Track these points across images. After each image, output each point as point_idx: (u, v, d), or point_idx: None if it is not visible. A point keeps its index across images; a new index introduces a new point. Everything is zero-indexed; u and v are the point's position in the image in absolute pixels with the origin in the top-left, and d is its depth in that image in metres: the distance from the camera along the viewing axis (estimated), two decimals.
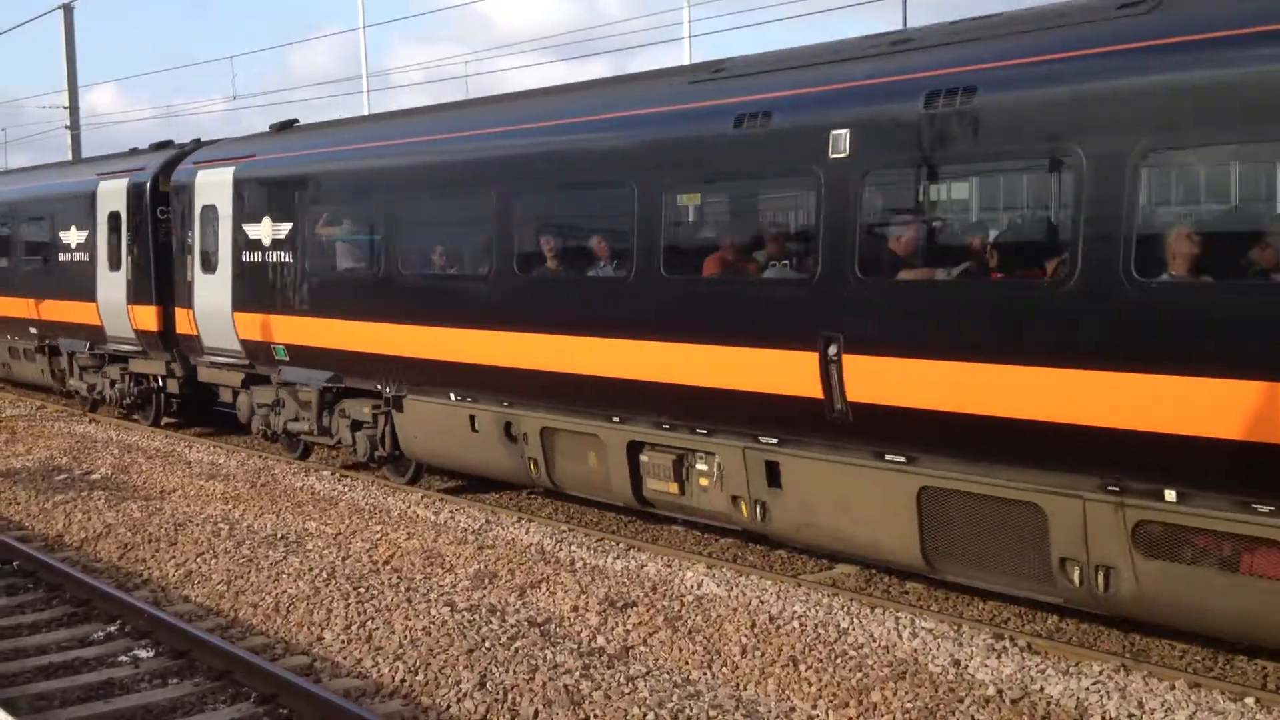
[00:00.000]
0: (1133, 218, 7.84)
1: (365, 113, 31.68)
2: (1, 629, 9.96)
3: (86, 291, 20.63)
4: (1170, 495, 7.90)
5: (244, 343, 16.82)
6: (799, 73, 10.21)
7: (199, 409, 20.03)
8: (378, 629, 9.62)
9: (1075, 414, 8.16)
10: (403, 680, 8.55)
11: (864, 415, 9.47)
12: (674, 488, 11.42)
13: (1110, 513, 8.21)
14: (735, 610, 9.91)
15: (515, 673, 8.55)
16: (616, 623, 9.68)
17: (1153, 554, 8.10)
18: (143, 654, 9.22)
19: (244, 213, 16.72)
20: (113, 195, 20.04)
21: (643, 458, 11.64)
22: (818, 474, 10.09)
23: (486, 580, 10.93)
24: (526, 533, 12.68)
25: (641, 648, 9.15)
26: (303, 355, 15.81)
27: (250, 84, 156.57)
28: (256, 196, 16.60)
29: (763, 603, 10.11)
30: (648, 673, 8.57)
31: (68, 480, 16.11)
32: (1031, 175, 9.07)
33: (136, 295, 19.34)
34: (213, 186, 17.43)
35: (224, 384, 18.10)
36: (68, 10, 35.80)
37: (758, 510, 10.66)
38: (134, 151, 21.73)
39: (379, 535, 12.72)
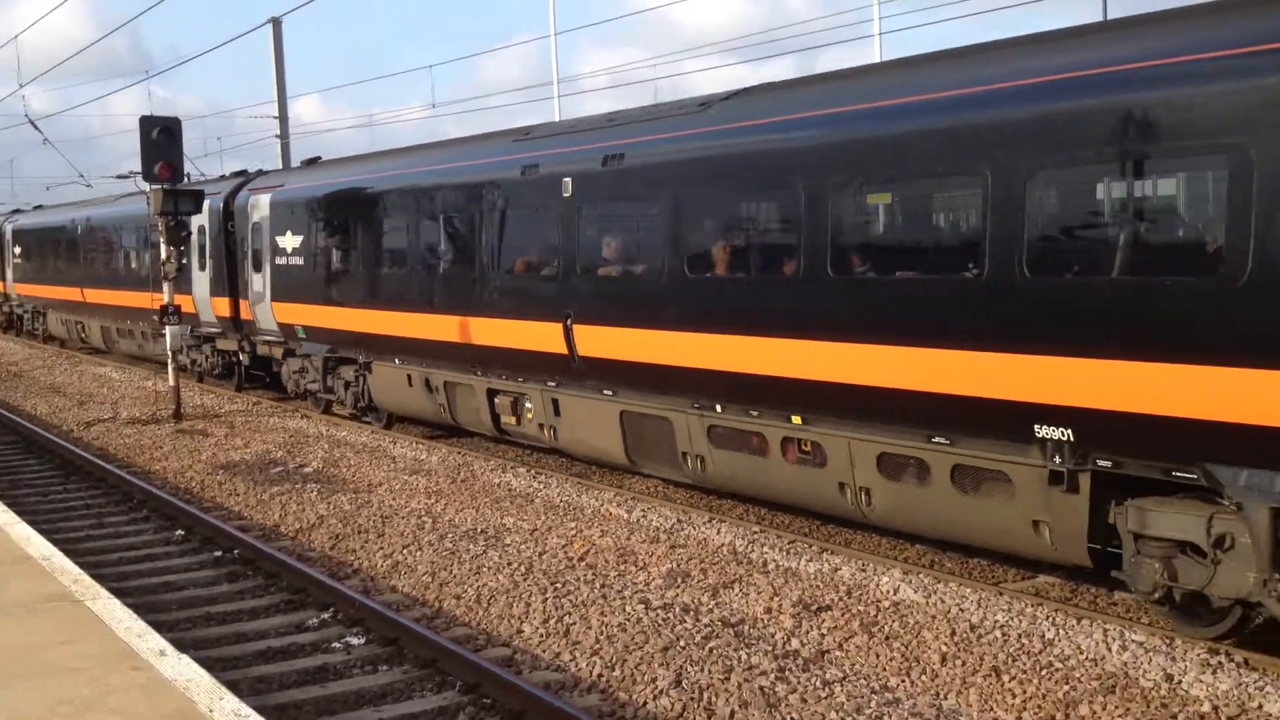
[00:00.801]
0: (688, 240, 12.73)
1: (556, 119, 36.23)
2: (224, 614, 10.53)
3: (185, 287, 26.78)
4: (719, 408, 12.75)
5: (280, 325, 22.60)
6: (555, 139, 15.27)
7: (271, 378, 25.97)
8: (574, 624, 9.81)
9: (672, 359, 13.04)
10: (600, 675, 8.68)
11: (589, 364, 14.45)
12: (514, 420, 16.56)
13: (698, 420, 13.08)
14: (934, 617, 9.77)
15: (710, 672, 8.62)
16: (811, 626, 9.66)
17: (720, 445, 12.94)
18: (354, 641, 9.56)
19: (277, 228, 22.47)
20: (200, 212, 26.11)
21: (496, 400, 16.80)
22: (575, 405, 15.12)
23: (679, 579, 11.05)
24: (718, 533, 12.84)
25: (837, 652, 9.10)
26: (313, 333, 21.47)
27: (445, 93, 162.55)
28: (284, 215, 22.32)
29: (962, 611, 9.93)
30: (844, 678, 8.53)
31: (282, 473, 16.90)
32: (651, 211, 13.80)
33: (215, 289, 25.39)
34: (259, 207, 23.28)
35: (273, 356, 24.00)
36: (276, 24, 36.34)
37: (553, 433, 15.73)
38: (222, 178, 27.90)
39: (573, 532, 13.02)
